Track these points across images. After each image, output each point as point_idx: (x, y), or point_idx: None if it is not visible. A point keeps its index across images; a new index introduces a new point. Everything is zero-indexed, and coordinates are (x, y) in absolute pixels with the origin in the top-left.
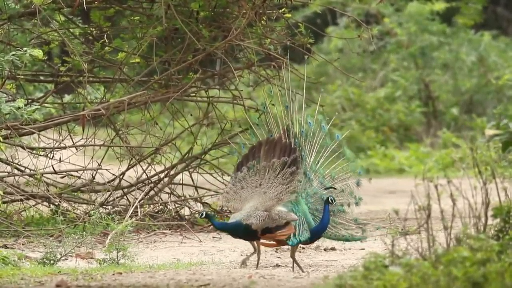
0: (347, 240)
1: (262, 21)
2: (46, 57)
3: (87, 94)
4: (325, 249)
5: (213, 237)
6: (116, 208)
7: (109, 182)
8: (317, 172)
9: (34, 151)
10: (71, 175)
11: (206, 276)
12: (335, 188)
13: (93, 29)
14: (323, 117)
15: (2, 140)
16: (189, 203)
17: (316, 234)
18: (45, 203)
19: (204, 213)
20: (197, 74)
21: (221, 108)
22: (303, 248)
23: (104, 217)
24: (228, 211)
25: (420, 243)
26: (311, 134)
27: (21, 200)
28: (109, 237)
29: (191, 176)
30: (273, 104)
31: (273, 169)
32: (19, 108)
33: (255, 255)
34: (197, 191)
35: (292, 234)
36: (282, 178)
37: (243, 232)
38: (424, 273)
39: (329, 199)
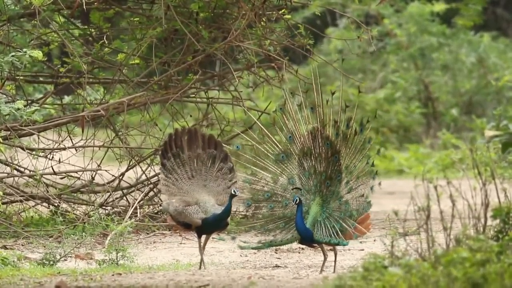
0: (336, 244)
1: (262, 22)
2: (46, 58)
3: (87, 95)
4: None
5: (212, 238)
6: (115, 209)
7: (108, 183)
8: (352, 174)
9: (34, 152)
10: (71, 176)
11: (205, 277)
12: (299, 189)
13: (92, 30)
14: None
15: (1, 141)
16: None
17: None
18: (44, 204)
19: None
20: (196, 75)
21: (221, 109)
22: (302, 249)
23: (103, 218)
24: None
25: (420, 244)
26: (350, 137)
27: (21, 201)
28: (108, 238)
29: None
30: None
31: (202, 161)
32: (18, 109)
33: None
34: None
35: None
36: (220, 173)
37: (220, 224)
38: (423, 273)
39: (295, 200)
